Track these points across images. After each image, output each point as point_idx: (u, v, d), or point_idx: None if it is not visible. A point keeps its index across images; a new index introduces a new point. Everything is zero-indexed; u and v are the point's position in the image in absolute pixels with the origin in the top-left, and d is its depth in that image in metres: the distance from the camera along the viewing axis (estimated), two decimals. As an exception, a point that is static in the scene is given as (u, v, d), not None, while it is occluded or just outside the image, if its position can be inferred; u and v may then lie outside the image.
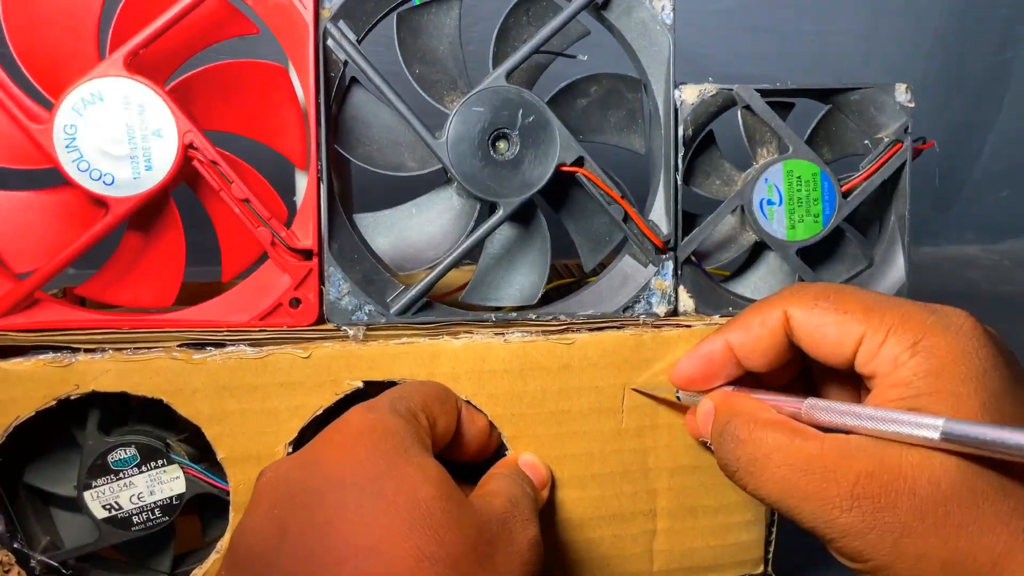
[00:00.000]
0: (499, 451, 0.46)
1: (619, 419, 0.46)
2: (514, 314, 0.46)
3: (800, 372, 0.43)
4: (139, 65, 0.41)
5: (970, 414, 0.32)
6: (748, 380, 0.42)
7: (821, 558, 0.37)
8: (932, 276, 0.99)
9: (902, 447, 0.33)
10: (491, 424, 0.45)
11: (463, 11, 0.46)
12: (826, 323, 0.37)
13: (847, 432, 0.34)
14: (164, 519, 0.45)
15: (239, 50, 0.45)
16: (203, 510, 0.49)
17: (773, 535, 0.50)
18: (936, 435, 0.31)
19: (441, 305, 0.46)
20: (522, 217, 0.47)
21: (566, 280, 0.60)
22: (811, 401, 0.37)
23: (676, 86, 0.46)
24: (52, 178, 0.42)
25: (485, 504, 0.37)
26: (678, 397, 0.44)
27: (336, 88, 0.45)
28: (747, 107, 0.47)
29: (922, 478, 0.32)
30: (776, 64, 0.91)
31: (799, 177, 0.46)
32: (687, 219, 0.48)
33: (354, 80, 0.45)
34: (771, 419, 0.37)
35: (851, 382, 0.41)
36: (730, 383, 0.42)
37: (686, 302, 0.47)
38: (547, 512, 0.46)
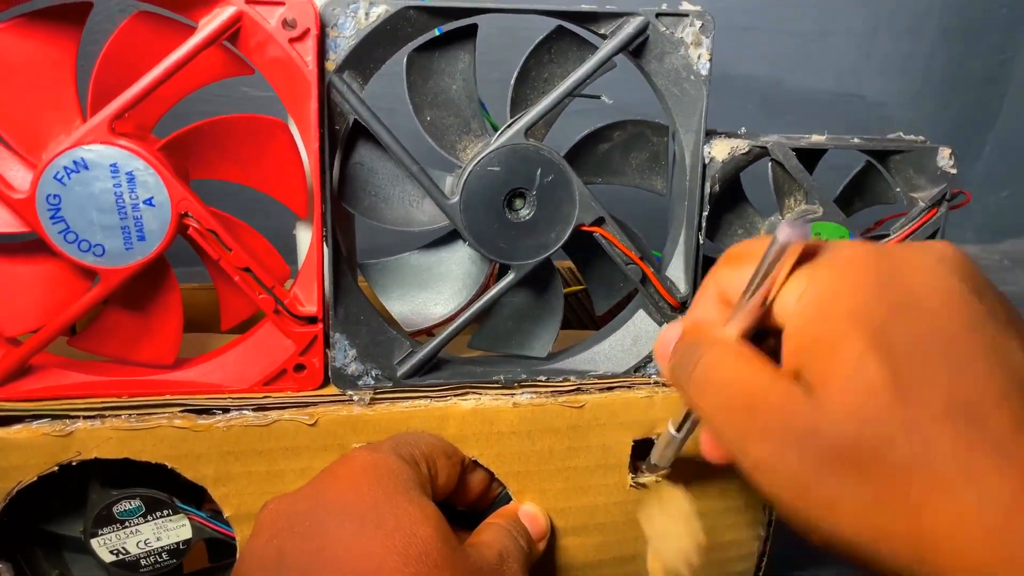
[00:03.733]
0: (497, 500, 0.47)
1: (625, 473, 0.46)
2: (523, 374, 0.44)
3: None
4: (124, 121, 0.38)
5: (855, 357, 0.26)
6: None
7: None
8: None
9: None
10: (492, 475, 0.45)
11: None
12: (740, 276, 0.31)
13: None
14: (172, 561, 0.46)
15: (234, 87, 0.41)
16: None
17: (763, 564, 0.52)
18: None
19: (448, 363, 0.45)
20: (536, 272, 0.45)
21: (574, 288, 0.59)
22: None
23: (707, 139, 0.43)
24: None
25: (477, 553, 0.38)
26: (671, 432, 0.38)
27: (341, 136, 0.41)
28: (780, 163, 0.44)
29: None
30: (776, 64, 0.87)
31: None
32: (706, 264, 0.46)
33: (360, 124, 0.42)
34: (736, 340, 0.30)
35: None
36: None
37: (699, 360, 0.46)
38: (550, 557, 0.47)
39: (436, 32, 0.41)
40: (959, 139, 1.02)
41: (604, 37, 0.42)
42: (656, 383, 0.45)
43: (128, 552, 0.45)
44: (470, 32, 0.41)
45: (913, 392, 0.25)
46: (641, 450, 0.47)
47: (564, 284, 0.59)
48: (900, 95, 0.91)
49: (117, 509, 0.44)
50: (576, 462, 0.46)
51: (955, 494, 0.24)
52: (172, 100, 0.40)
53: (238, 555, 0.37)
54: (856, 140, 0.44)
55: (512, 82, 0.42)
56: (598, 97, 0.45)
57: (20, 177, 0.38)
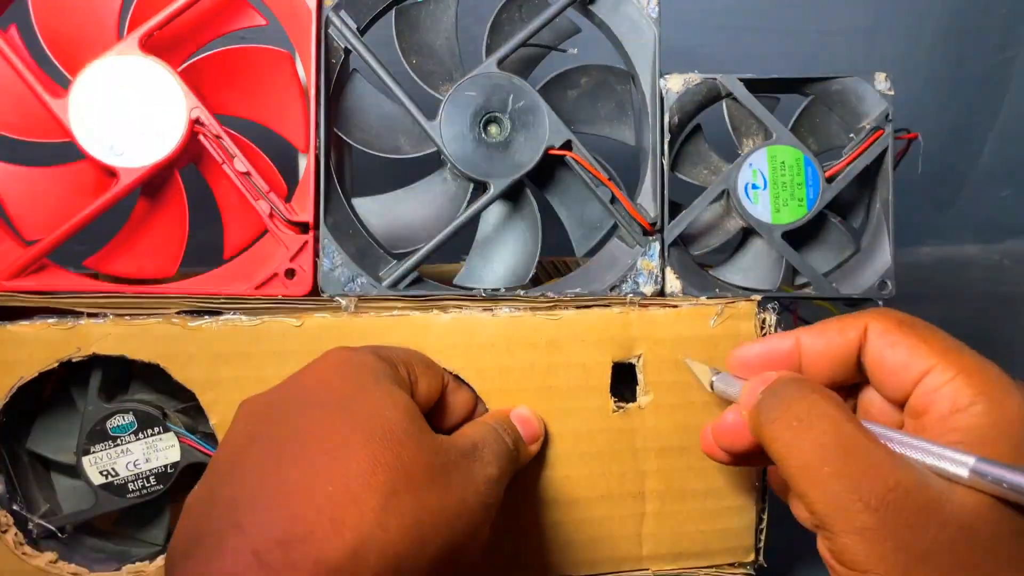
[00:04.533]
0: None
1: (606, 398, 0.47)
2: (503, 291, 0.47)
3: None
4: (153, 47, 0.44)
5: None
6: None
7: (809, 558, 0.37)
8: (932, 276, 0.98)
9: (950, 483, 0.31)
10: (477, 399, 0.46)
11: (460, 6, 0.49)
12: (900, 345, 0.36)
13: None
14: (159, 487, 0.46)
15: (248, 40, 0.48)
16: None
17: (764, 523, 0.49)
18: (965, 472, 0.31)
19: (432, 283, 0.47)
20: (513, 199, 0.48)
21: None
22: (864, 422, 0.35)
23: (662, 76, 0.48)
24: (61, 156, 0.45)
25: (449, 441, 0.39)
26: (712, 385, 0.43)
27: (337, 76, 0.47)
28: (732, 96, 0.48)
29: (956, 513, 0.31)
30: (776, 64, 0.91)
31: (783, 162, 0.48)
32: (674, 208, 0.49)
33: (355, 70, 0.48)
34: (836, 398, 0.35)
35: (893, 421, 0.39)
36: None
37: (673, 283, 0.48)
38: (536, 491, 0.46)
39: (424, -5, 0.48)
40: (959, 139, 1.02)
41: (566, -6, 0.49)
42: (632, 302, 0.47)
43: (117, 474, 0.46)
44: (452, -8, 0.49)
45: None
46: (620, 374, 0.47)
47: (547, 277, 0.62)
48: (900, 95, 0.92)
49: (111, 424, 0.45)
50: (557, 381, 0.46)
51: None
52: (194, 44, 0.47)
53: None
54: (795, 74, 0.49)
55: (486, 31, 0.48)
56: (565, 51, 0.50)
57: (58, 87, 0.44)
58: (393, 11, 0.48)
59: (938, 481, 0.32)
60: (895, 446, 0.33)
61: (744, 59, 0.86)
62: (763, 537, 0.49)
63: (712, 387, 0.44)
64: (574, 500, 0.47)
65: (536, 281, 0.52)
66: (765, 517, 0.49)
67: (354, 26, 0.46)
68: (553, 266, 0.65)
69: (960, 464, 0.31)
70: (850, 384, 0.40)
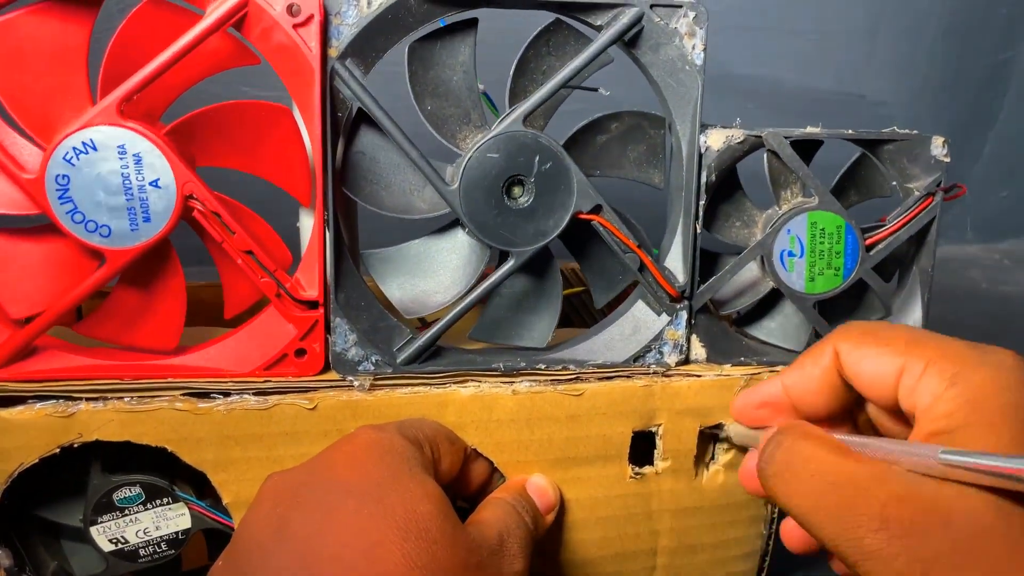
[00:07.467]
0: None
1: (624, 465, 0.46)
2: (523, 363, 0.45)
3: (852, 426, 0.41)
4: (133, 107, 0.39)
5: (1005, 446, 0.30)
6: None
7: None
8: (932, 276, 1.00)
9: (940, 480, 0.31)
10: (492, 466, 0.45)
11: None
12: (869, 355, 0.36)
13: None
14: (171, 552, 0.46)
15: (240, 75, 0.43)
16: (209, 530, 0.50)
17: (766, 564, 0.51)
18: (936, 463, 0.30)
19: (448, 351, 0.45)
20: (534, 261, 0.45)
21: (576, 289, 0.59)
22: (840, 436, 0.36)
23: (702, 130, 0.44)
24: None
25: (478, 533, 0.39)
26: (729, 440, 0.45)
27: (343, 124, 0.42)
28: (773, 152, 0.44)
29: (958, 510, 0.30)
30: (776, 64, 0.87)
31: (823, 229, 0.45)
32: (704, 257, 0.46)
33: (362, 113, 0.43)
34: (817, 434, 0.36)
35: (904, 430, 0.39)
36: None
37: (698, 351, 0.46)
38: (551, 553, 0.47)
39: (439, 23, 0.42)
40: (959, 139, 1.00)
41: (600, 30, 0.43)
42: (655, 373, 0.46)
43: (127, 541, 0.45)
44: (471, 24, 0.43)
45: None
46: (640, 442, 0.47)
47: (566, 284, 0.59)
48: (900, 95, 0.90)
49: (117, 496, 0.44)
50: (576, 452, 0.45)
51: None
52: (180, 89, 0.41)
53: (238, 525, 0.37)
54: (850, 132, 0.45)
55: (511, 73, 0.43)
56: (595, 89, 0.45)
57: (31, 159, 0.39)
58: (406, 50, 0.42)
59: (928, 482, 0.31)
60: (877, 455, 0.33)
61: (744, 59, 0.83)
62: (764, 578, 0.51)
63: (730, 441, 0.45)
64: (588, 560, 0.48)
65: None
66: (768, 559, 0.51)
67: (362, 77, 0.41)
68: (574, 273, 0.62)
69: (928, 456, 0.30)
70: (852, 405, 0.39)
